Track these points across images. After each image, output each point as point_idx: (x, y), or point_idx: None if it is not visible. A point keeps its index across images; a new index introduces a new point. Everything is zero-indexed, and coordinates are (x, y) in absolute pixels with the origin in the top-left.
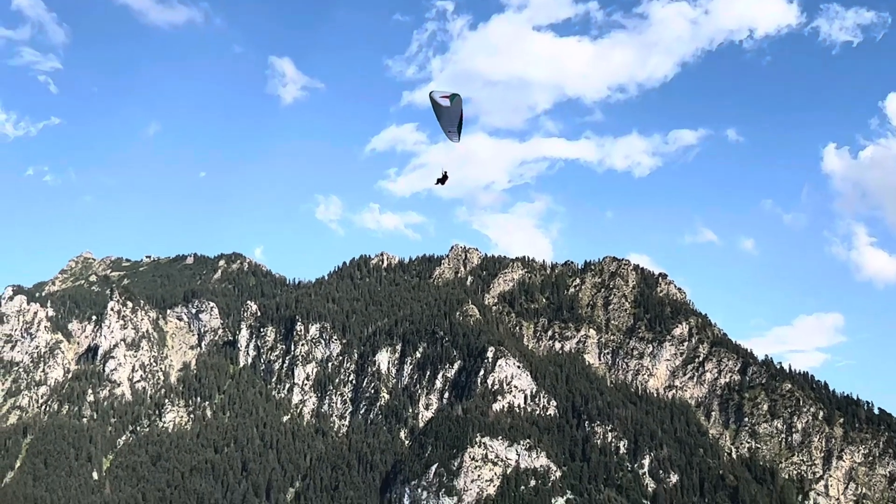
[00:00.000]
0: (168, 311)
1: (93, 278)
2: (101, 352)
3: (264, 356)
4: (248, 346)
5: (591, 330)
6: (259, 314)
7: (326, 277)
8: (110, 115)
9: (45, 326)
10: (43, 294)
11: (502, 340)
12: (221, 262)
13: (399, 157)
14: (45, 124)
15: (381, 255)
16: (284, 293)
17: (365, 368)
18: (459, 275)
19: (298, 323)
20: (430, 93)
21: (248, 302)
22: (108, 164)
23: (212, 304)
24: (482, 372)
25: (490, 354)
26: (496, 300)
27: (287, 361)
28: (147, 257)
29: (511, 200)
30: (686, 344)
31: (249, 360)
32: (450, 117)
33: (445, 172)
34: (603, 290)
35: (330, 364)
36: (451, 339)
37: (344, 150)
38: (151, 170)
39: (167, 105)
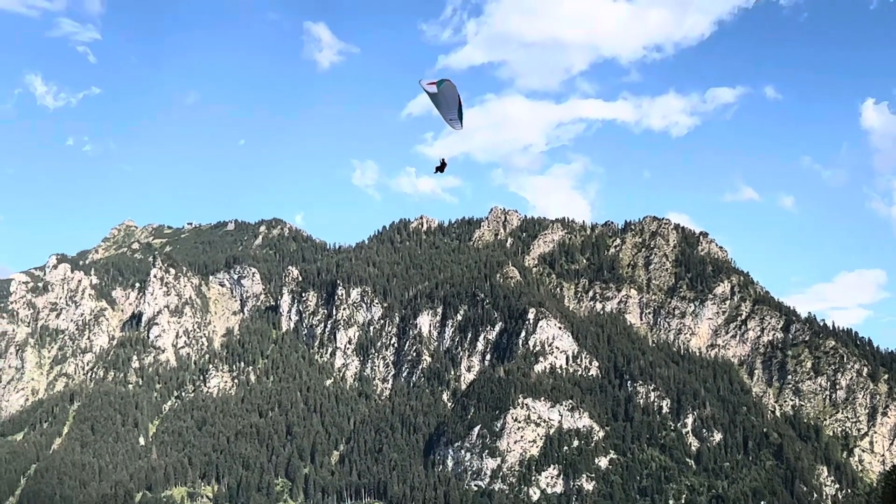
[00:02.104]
0: (210, 278)
1: (135, 246)
2: (144, 318)
3: (306, 321)
4: (290, 311)
5: (633, 290)
6: (300, 279)
7: (366, 242)
8: (149, 85)
9: (90, 294)
10: (86, 262)
11: (543, 302)
12: (262, 228)
13: (436, 121)
14: (84, 94)
15: (421, 218)
16: (325, 258)
17: (406, 331)
18: (499, 237)
19: (340, 287)
20: (419, 81)
21: (290, 267)
22: (147, 133)
23: (253, 269)
24: (523, 333)
25: (531, 316)
26: (536, 261)
27: (329, 326)
28: (188, 224)
29: (548, 162)
30: (728, 302)
31: (292, 325)
32: (446, 104)
33: (444, 160)
34: (644, 249)
35: (372, 328)
36: (492, 301)
37: (380, 115)
38: (191, 138)
39: (205, 73)
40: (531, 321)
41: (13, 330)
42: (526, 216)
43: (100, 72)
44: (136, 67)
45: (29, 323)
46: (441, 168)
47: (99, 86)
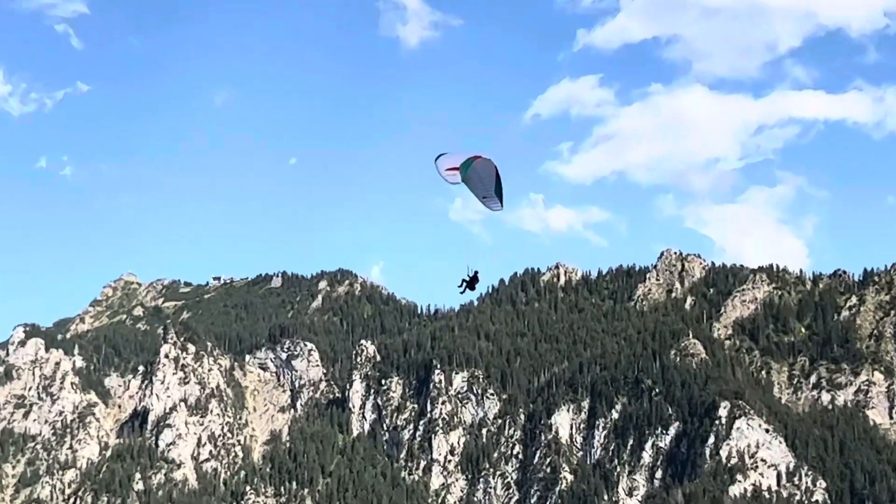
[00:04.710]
0: (247, 357)
1: (138, 312)
2: (152, 418)
3: (388, 420)
4: (363, 407)
5: (877, 373)
6: (378, 359)
7: (475, 303)
8: (159, 80)
9: (72, 383)
10: (68, 336)
11: (741, 391)
12: (322, 285)
13: (575, 125)
14: (64, 93)
15: (556, 267)
16: (415, 327)
17: (536, 436)
18: (674, 294)
19: (437, 370)
20: (435, 162)
21: (363, 342)
22: (155, 151)
23: (309, 345)
24: (712, 438)
25: (723, 412)
26: (730, 331)
27: (421, 428)
28: (215, 279)
29: (743, 184)
30: None
31: (366, 427)
32: (480, 181)
33: (476, 273)
34: (893, 313)
35: (484, 430)
36: (665, 390)
37: (492, 117)
38: (219, 156)
39: (239, 64)
40: (724, 420)
41: None
42: (713, 264)
43: (87, 61)
44: (140, 55)
45: None
46: (471, 284)
47: (86, 81)
